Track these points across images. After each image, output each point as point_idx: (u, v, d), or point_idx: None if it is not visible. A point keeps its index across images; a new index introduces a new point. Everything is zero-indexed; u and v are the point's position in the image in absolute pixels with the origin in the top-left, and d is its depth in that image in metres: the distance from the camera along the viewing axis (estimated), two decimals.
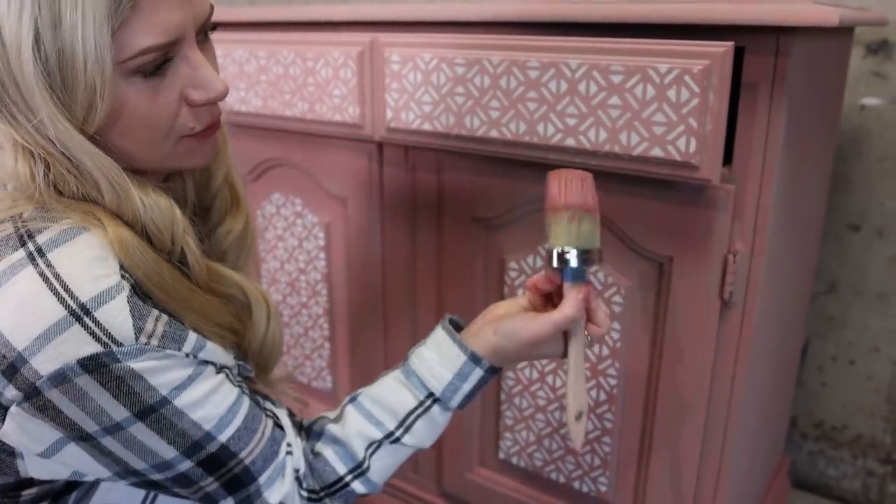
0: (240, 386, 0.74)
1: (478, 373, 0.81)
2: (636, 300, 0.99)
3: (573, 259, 0.76)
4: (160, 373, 0.64)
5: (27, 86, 0.58)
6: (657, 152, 0.86)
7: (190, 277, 0.70)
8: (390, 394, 0.82)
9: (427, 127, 1.04)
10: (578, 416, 0.77)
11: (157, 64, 0.62)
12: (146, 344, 0.62)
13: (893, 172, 1.36)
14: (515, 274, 1.07)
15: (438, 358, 0.81)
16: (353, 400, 0.84)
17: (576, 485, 1.12)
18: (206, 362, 0.69)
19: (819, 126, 1.07)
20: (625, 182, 0.93)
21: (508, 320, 0.79)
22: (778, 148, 0.86)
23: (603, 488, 1.10)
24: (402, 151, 1.14)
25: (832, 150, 1.26)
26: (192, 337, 0.67)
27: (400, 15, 1.06)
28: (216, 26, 0.70)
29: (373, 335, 1.29)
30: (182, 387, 0.66)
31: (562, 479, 1.14)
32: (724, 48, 0.80)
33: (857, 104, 1.37)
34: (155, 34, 0.60)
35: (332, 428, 0.82)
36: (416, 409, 0.81)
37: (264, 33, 1.21)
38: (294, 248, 1.35)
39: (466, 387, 0.81)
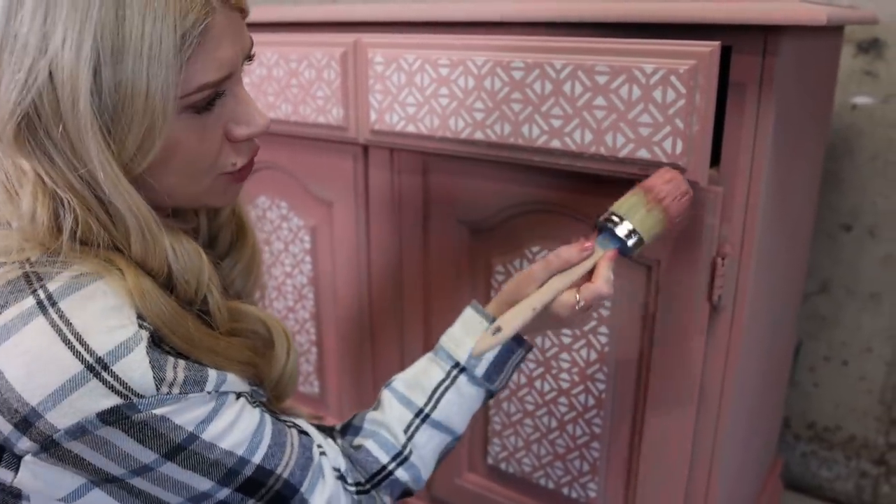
0: (259, 406, 0.72)
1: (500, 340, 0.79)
2: (624, 304, 0.97)
3: (631, 238, 0.78)
4: (184, 412, 0.62)
5: (77, 123, 0.55)
6: (643, 154, 0.84)
7: (210, 323, 0.68)
8: (421, 372, 0.82)
9: (411, 129, 1.02)
10: (496, 331, 0.77)
11: (210, 99, 0.60)
12: (167, 394, 0.60)
13: (885, 171, 1.34)
14: (502, 277, 1.06)
15: (463, 329, 0.82)
16: (388, 385, 0.83)
17: (565, 490, 1.11)
18: (227, 392, 0.67)
19: (809, 125, 1.05)
20: (611, 184, 0.92)
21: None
22: (766, 148, 0.85)
23: (592, 494, 1.08)
24: (387, 154, 1.13)
25: (823, 149, 1.25)
26: (213, 375, 0.64)
27: (383, 15, 1.04)
28: (253, 57, 0.68)
29: (360, 339, 1.27)
30: (208, 420, 0.63)
31: (550, 485, 1.12)
32: (710, 48, 0.78)
33: (849, 103, 1.36)
34: (214, 69, 0.59)
35: (373, 415, 0.81)
36: (443, 381, 0.81)
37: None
38: (280, 251, 1.33)
39: (490, 354, 0.80)
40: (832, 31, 1.11)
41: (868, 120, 1.35)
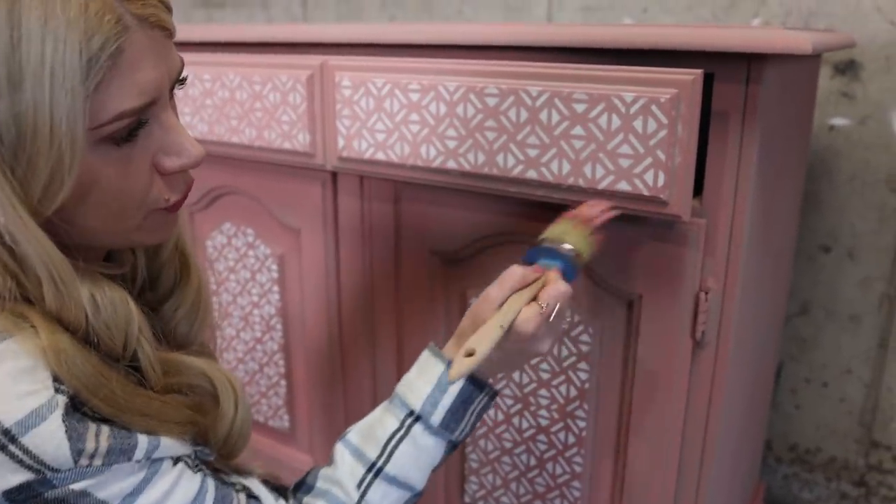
0: (201, 470, 0.66)
1: (457, 383, 0.73)
2: (605, 339, 0.94)
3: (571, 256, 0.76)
4: (108, 485, 0.56)
5: None
6: (623, 186, 0.80)
7: (144, 380, 0.61)
8: (375, 422, 0.76)
9: (381, 156, 0.98)
10: (468, 354, 0.70)
11: (131, 129, 0.54)
12: (88, 466, 0.54)
13: (862, 193, 1.32)
14: None
15: (418, 374, 0.75)
16: (342, 437, 0.77)
17: None
18: (161, 459, 0.61)
19: (791, 149, 1.03)
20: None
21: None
22: (751, 178, 0.81)
23: None
24: (356, 180, 1.08)
25: (804, 171, 1.23)
26: (143, 441, 0.58)
27: (350, 36, 1.00)
28: (185, 80, 0.61)
29: (331, 372, 1.22)
30: (137, 492, 0.57)
31: None
32: (692, 76, 0.75)
33: (826, 124, 1.34)
34: (133, 95, 0.52)
35: (325, 472, 0.75)
36: (396, 431, 0.74)
37: (208, 54, 1.15)
38: (247, 280, 1.28)
39: (447, 400, 0.73)
40: (813, 56, 1.08)
41: (845, 141, 1.33)
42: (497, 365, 0.76)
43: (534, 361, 0.99)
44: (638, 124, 0.78)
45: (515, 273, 0.75)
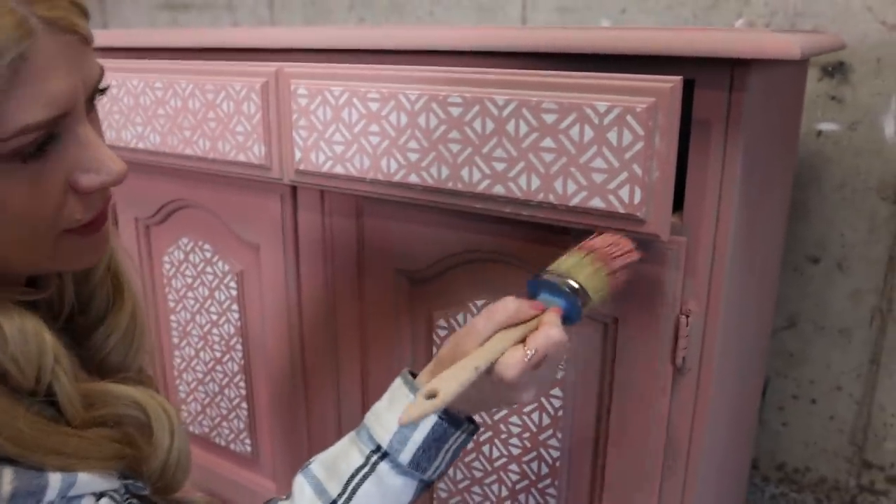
0: (132, 503, 0.60)
1: (432, 417, 0.66)
2: (579, 364, 0.87)
3: (577, 296, 0.67)
4: None
5: None
6: (597, 203, 0.74)
7: (60, 415, 0.56)
8: (341, 454, 0.69)
9: (340, 170, 0.91)
10: (430, 396, 0.61)
11: (40, 144, 0.48)
12: None
13: (852, 201, 1.27)
14: (445, 332, 0.95)
15: (388, 404, 0.69)
16: (304, 468, 0.70)
17: None
18: (80, 496, 0.54)
19: (778, 157, 0.97)
20: (561, 234, 0.82)
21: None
22: (734, 191, 0.75)
23: None
24: (317, 194, 1.01)
25: (791, 179, 1.17)
26: (56, 480, 0.52)
27: (306, 41, 0.93)
28: (105, 90, 0.55)
29: (293, 395, 1.15)
30: None
31: None
32: (671, 84, 0.69)
33: (814, 129, 1.28)
34: (39, 107, 0.47)
35: None
36: (361, 467, 0.67)
37: (160, 61, 1.08)
38: (205, 297, 1.21)
39: (417, 436, 0.66)
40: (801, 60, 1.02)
41: (834, 147, 1.28)
42: (474, 405, 0.69)
43: None
44: (612, 136, 0.72)
45: (508, 306, 0.67)
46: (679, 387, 0.82)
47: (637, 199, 0.72)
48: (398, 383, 0.70)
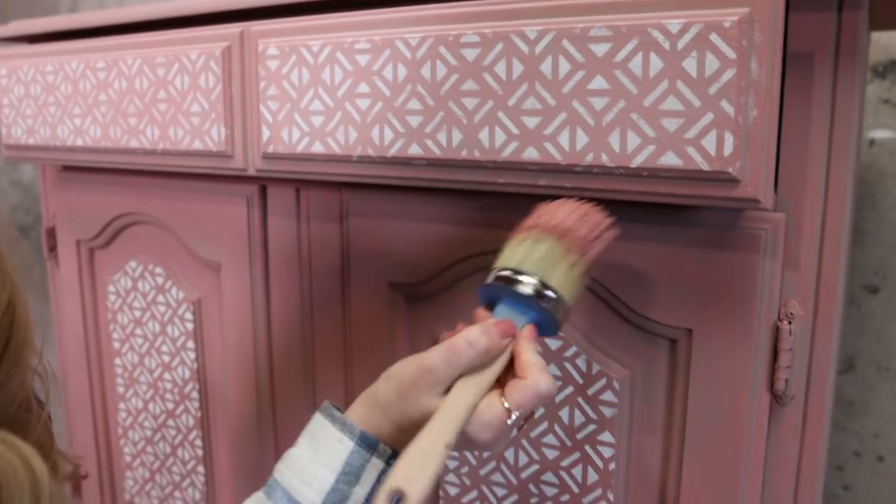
0: None
1: (377, 465, 0.52)
2: (638, 397, 0.66)
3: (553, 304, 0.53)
4: None
5: None
6: (670, 160, 0.54)
7: None
8: None
9: (319, 148, 0.71)
10: (395, 499, 0.45)
11: None
12: None
13: None
14: None
15: (312, 453, 0.53)
16: None
17: None
18: None
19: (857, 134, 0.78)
20: (613, 217, 0.62)
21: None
22: (849, 150, 0.56)
23: None
24: (291, 193, 0.81)
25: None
26: None
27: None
28: None
29: (260, 454, 0.92)
30: None
31: None
32: None
33: (866, 138, 1.11)
34: None
35: None
36: None
37: (104, 39, 0.89)
38: (156, 334, 0.99)
39: (361, 492, 0.52)
40: None
41: (890, 158, 1.10)
42: None
43: (535, 433, 0.70)
44: (690, 65, 0.52)
45: (476, 345, 0.51)
46: (779, 423, 0.60)
47: (728, 150, 0.52)
48: (321, 422, 0.54)
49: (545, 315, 0.53)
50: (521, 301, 0.53)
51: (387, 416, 0.52)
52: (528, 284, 0.52)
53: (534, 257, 0.53)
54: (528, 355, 0.52)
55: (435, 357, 0.51)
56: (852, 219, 0.99)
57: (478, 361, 0.51)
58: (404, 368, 0.53)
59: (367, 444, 0.52)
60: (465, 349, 0.51)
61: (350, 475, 0.51)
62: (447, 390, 0.51)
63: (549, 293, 0.52)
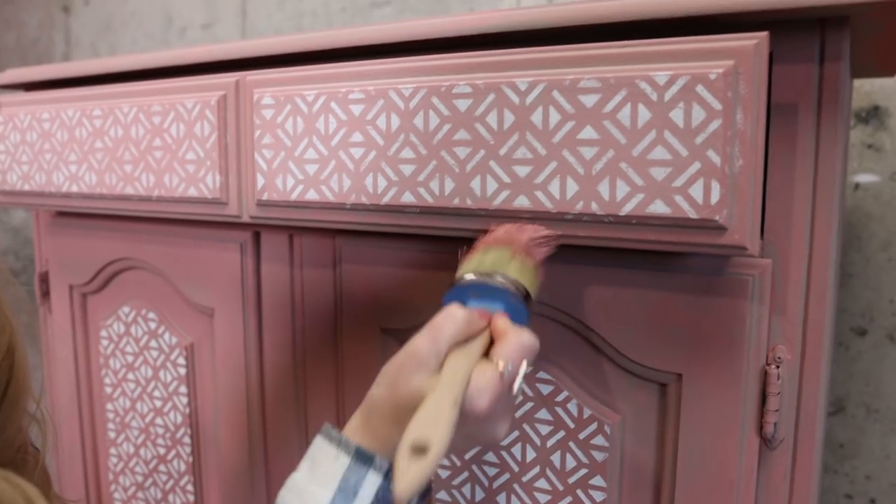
0: None
1: (373, 480, 0.51)
2: (628, 441, 0.66)
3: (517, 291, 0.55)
4: None
5: None
6: (659, 208, 0.55)
7: None
8: None
9: (313, 196, 0.72)
10: (417, 452, 0.44)
11: None
12: None
13: None
14: None
15: (310, 474, 0.53)
16: None
17: None
18: None
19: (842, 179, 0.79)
20: (603, 263, 0.63)
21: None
22: (834, 195, 0.57)
23: None
24: (284, 240, 0.82)
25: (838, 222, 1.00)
26: None
27: (276, 48, 0.76)
28: None
29: (253, 499, 0.91)
30: None
31: None
32: (754, 40, 0.52)
33: (851, 182, 1.13)
34: None
35: None
36: None
37: (101, 87, 0.90)
38: (148, 379, 0.98)
39: None
40: None
41: (875, 202, 1.12)
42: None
43: (526, 477, 0.70)
44: (677, 115, 0.54)
45: (455, 316, 0.52)
46: (768, 466, 0.61)
47: (715, 199, 0.53)
48: (320, 443, 0.54)
49: (513, 301, 0.54)
50: (488, 294, 0.54)
51: (383, 416, 0.52)
52: (491, 275, 0.55)
53: (487, 262, 0.56)
54: (507, 326, 0.53)
55: (416, 339, 0.52)
56: (838, 262, 1.00)
57: (460, 334, 0.52)
58: (391, 362, 0.53)
59: (363, 459, 0.52)
60: (444, 322, 0.52)
61: (347, 492, 0.51)
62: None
63: (511, 279, 0.55)
